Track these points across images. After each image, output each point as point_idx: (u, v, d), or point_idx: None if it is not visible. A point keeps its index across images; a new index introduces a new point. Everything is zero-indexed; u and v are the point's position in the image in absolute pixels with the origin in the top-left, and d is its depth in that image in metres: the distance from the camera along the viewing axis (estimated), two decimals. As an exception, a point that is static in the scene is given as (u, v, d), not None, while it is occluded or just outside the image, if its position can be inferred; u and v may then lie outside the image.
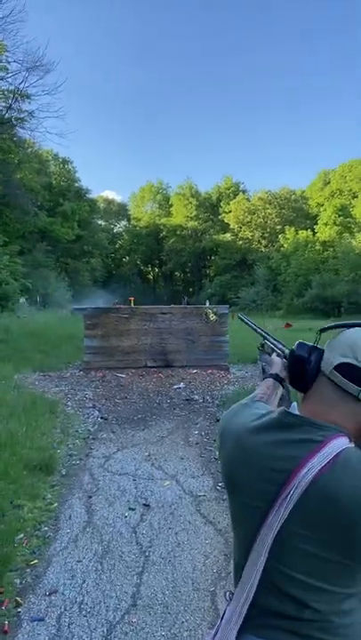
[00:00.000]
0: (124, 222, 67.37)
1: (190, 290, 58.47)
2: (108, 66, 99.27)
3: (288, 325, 22.25)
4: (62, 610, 2.69)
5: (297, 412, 1.06)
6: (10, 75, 22.67)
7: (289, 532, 0.96)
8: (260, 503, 0.99)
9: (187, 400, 8.45)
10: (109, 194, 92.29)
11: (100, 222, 58.39)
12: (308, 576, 0.96)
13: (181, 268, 62.78)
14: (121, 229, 66.82)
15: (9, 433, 5.61)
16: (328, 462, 0.92)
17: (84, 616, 2.64)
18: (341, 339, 1.04)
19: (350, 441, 0.97)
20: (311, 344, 1.09)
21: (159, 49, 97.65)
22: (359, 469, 0.90)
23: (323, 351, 1.06)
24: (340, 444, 0.95)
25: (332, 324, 1.11)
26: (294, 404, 1.23)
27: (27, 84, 22.80)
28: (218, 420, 7.05)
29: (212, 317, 11.13)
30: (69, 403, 7.89)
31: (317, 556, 0.94)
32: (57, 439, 5.81)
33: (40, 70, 22.34)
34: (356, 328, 1.05)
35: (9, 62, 22.34)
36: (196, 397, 8.65)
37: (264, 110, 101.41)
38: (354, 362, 0.97)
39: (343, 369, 0.98)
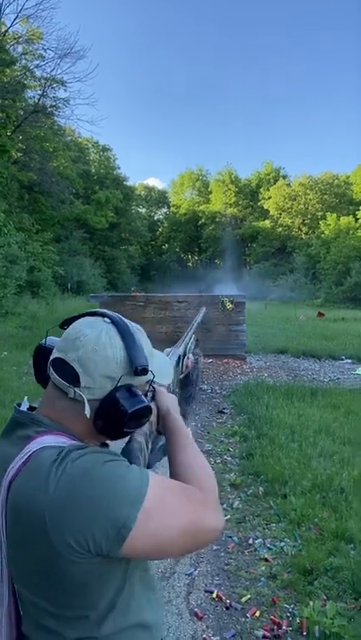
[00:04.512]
0: (164, 210, 67.27)
1: (230, 277, 57.89)
2: (149, 54, 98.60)
3: (321, 315, 21.89)
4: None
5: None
6: (44, 62, 22.91)
7: (9, 547, 0.85)
8: None
9: (195, 390, 8.34)
10: (153, 181, 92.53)
11: (140, 210, 58.50)
12: (28, 594, 0.86)
13: (221, 256, 62.21)
14: (161, 217, 66.78)
15: (5, 419, 5.68)
16: (23, 462, 0.82)
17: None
18: (65, 332, 0.93)
19: (73, 439, 0.87)
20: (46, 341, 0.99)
21: (199, 34, 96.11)
22: (39, 471, 0.79)
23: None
24: (44, 441, 0.84)
25: (76, 314, 0.98)
26: None
27: (59, 72, 22.97)
28: (220, 412, 6.93)
29: (229, 306, 10.94)
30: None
31: (25, 570, 0.83)
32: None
33: (72, 57, 22.41)
34: (87, 318, 0.93)
35: (45, 50, 22.59)
36: (205, 387, 8.52)
37: (308, 95, 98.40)
38: (63, 356, 0.88)
39: (56, 364, 0.88)
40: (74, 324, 0.93)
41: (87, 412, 0.85)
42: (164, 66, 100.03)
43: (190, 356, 1.64)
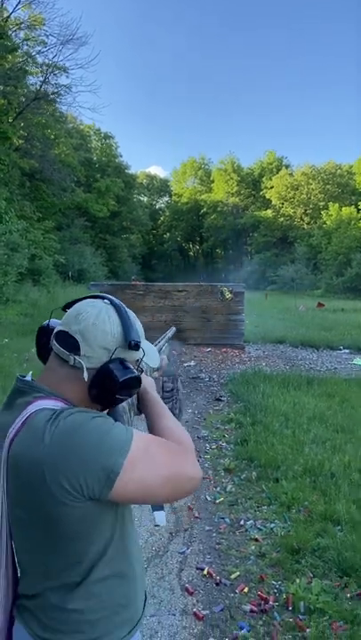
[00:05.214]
0: (165, 198, 66.96)
1: (231, 267, 57.74)
2: (151, 43, 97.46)
3: (321, 305, 21.92)
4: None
5: None
6: (46, 48, 22.70)
7: (8, 500, 0.96)
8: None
9: (193, 378, 8.45)
10: (155, 169, 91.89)
11: (142, 198, 58.25)
12: (31, 547, 0.97)
13: (222, 245, 62.03)
14: (162, 205, 66.50)
15: (5, 404, 5.79)
16: (21, 424, 0.93)
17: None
18: (68, 311, 1.04)
19: (67, 404, 0.97)
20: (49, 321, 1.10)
21: (202, 22, 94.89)
22: (37, 428, 0.90)
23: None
24: (41, 404, 0.94)
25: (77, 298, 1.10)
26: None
27: (61, 58, 22.77)
28: (217, 400, 7.04)
29: (228, 296, 11.01)
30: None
31: (25, 522, 0.94)
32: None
33: (74, 44, 22.19)
34: (88, 299, 1.05)
35: (47, 36, 22.37)
36: (203, 376, 8.64)
37: (310, 85, 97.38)
38: (66, 329, 0.99)
39: (59, 337, 0.99)
40: (76, 304, 1.05)
41: (85, 376, 0.95)
42: (166, 55, 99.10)
43: (164, 356, 1.73)
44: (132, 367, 1.00)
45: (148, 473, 0.92)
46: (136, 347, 1.00)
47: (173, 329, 2.51)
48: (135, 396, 1.19)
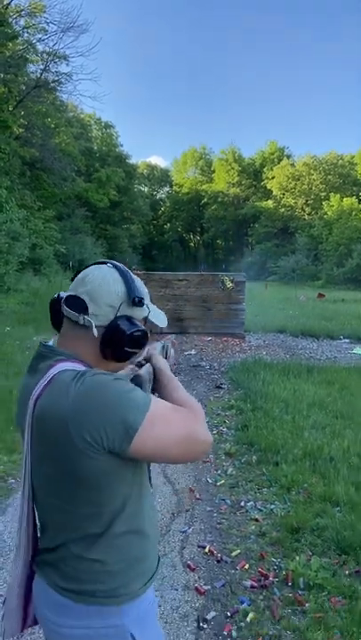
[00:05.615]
0: (166, 188, 66.67)
1: (232, 258, 57.65)
2: (153, 32, 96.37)
3: (321, 296, 21.93)
4: (-2, 553, 2.87)
5: None
6: (47, 36, 22.49)
7: (32, 458, 1.03)
8: (24, 436, 1.05)
9: (194, 366, 8.50)
10: (156, 159, 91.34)
11: (142, 188, 57.98)
12: (55, 501, 1.02)
13: (223, 236, 61.90)
14: (163, 196, 66.24)
15: (7, 390, 5.85)
16: (45, 384, 1.00)
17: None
18: (76, 278, 1.11)
19: (86, 366, 1.04)
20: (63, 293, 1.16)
21: (203, 14, 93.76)
22: (61, 387, 0.97)
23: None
24: (63, 366, 1.01)
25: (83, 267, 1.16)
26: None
27: (61, 46, 22.56)
28: (217, 387, 7.09)
29: (229, 285, 11.03)
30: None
31: (51, 476, 1.01)
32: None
33: (75, 31, 21.97)
34: (93, 265, 1.12)
35: (47, 23, 22.16)
36: (204, 364, 8.69)
37: (312, 73, 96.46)
38: (74, 292, 1.06)
39: (69, 301, 1.06)
40: (82, 272, 1.11)
41: (95, 332, 1.03)
42: (167, 44, 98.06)
43: (172, 350, 1.69)
44: (138, 323, 1.06)
45: (165, 433, 0.98)
46: (140, 303, 1.07)
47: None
48: (150, 381, 1.24)
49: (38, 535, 1.11)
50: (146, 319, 1.13)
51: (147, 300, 1.12)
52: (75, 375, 0.97)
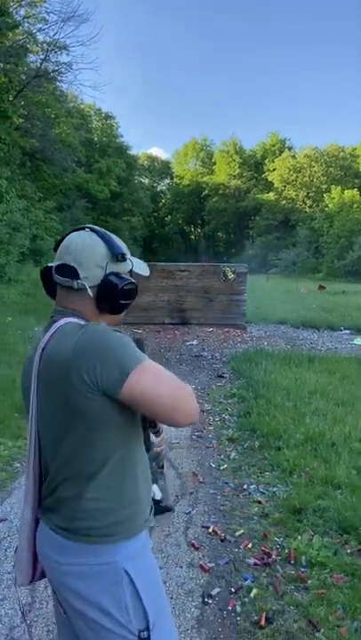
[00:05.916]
0: (167, 180, 66.35)
1: (233, 251, 57.49)
2: (153, 22, 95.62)
3: (322, 288, 21.92)
4: (5, 535, 2.92)
5: None
6: (47, 26, 22.31)
7: (38, 401, 1.13)
8: (31, 387, 1.15)
9: (195, 356, 8.55)
10: (156, 151, 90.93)
11: (143, 180, 57.70)
12: (55, 440, 1.11)
13: (223, 229, 61.70)
14: (164, 188, 65.94)
15: (11, 379, 5.90)
16: (51, 335, 1.12)
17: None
18: (59, 248, 1.19)
19: (86, 321, 1.14)
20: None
21: (203, 4, 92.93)
22: (64, 336, 1.08)
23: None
24: (65, 320, 1.12)
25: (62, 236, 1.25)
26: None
27: (61, 35, 22.39)
28: (219, 377, 7.14)
29: (231, 276, 11.05)
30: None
31: (53, 414, 1.09)
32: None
33: (75, 20, 21.79)
34: (73, 233, 1.21)
35: (48, 13, 21.97)
36: (205, 354, 8.74)
37: (314, 65, 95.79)
38: (62, 261, 1.16)
39: (58, 269, 1.16)
40: (63, 240, 1.20)
41: (90, 292, 1.14)
42: (167, 34, 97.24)
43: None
44: (127, 277, 1.17)
45: (155, 383, 1.06)
46: (123, 257, 1.17)
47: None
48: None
49: (43, 479, 1.18)
50: (131, 271, 1.22)
51: (128, 255, 1.21)
52: (79, 327, 1.08)
